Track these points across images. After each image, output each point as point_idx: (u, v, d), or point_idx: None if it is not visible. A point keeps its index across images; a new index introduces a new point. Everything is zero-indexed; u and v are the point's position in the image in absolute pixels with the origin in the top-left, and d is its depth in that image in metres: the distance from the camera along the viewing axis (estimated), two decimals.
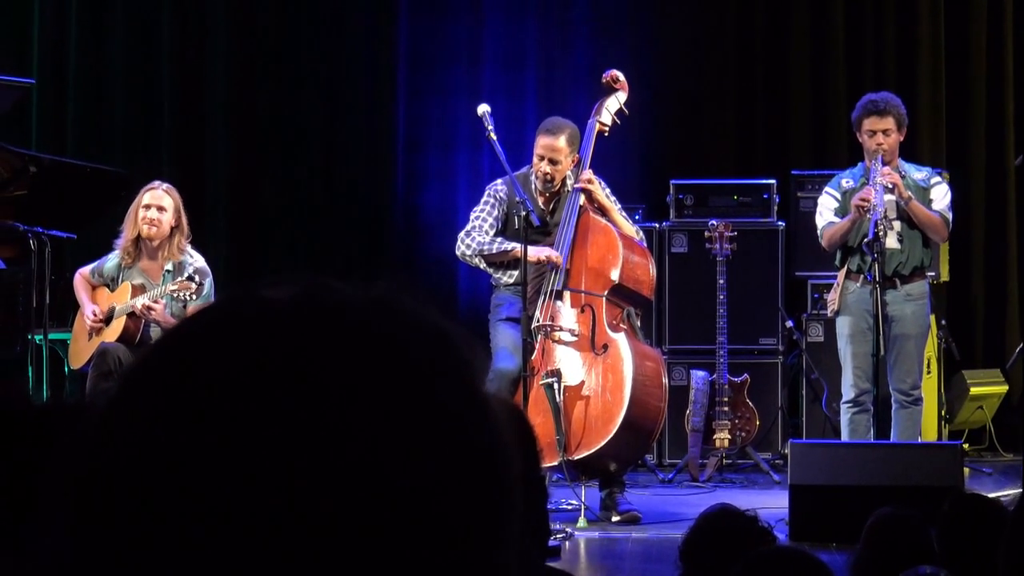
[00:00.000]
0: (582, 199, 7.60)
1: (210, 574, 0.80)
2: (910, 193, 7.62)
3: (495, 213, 7.60)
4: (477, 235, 7.56)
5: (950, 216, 7.80)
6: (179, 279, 7.63)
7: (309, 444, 0.80)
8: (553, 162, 7.48)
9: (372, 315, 0.86)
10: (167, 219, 7.67)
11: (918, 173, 7.85)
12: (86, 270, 7.96)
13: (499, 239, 7.56)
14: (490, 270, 7.66)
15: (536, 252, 7.43)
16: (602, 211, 7.64)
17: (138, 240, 7.72)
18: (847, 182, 7.81)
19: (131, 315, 7.72)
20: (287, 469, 0.80)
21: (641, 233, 7.91)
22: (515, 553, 0.88)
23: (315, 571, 0.80)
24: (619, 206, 7.74)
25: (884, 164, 7.58)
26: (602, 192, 7.62)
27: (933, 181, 7.83)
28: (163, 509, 0.80)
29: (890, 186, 7.53)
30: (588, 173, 7.57)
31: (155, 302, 7.62)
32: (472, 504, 0.84)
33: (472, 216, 7.65)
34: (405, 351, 0.84)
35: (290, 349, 0.83)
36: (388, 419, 0.82)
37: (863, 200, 7.49)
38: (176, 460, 0.81)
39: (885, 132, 7.63)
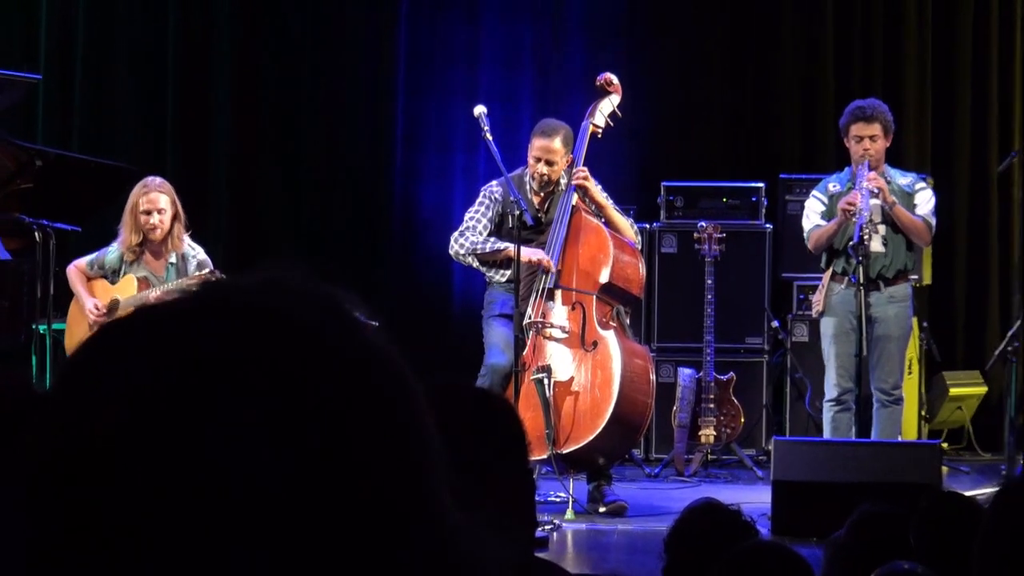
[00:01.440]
0: (575, 199, 7.60)
1: (148, 534, 0.82)
2: (895, 198, 7.63)
3: (489, 214, 7.61)
4: (471, 235, 7.57)
5: (933, 221, 7.81)
6: (203, 272, 7.65)
7: (219, 409, 0.84)
8: (549, 163, 7.49)
9: (259, 293, 0.90)
10: (167, 216, 7.67)
11: (903, 179, 7.86)
12: (82, 263, 7.94)
13: (492, 239, 7.57)
14: (483, 269, 7.67)
15: (528, 254, 7.44)
16: (598, 208, 7.65)
17: (142, 241, 7.71)
18: (834, 186, 7.82)
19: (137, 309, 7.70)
20: (200, 432, 0.83)
21: (636, 227, 7.91)
22: (442, 483, 0.90)
23: (244, 523, 0.83)
24: (611, 203, 7.75)
25: (870, 169, 7.60)
26: (597, 189, 7.63)
27: (918, 187, 7.84)
28: (95, 479, 0.83)
29: (876, 191, 7.54)
30: (583, 169, 7.56)
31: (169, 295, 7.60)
32: (378, 435, 0.87)
33: (466, 217, 7.67)
34: (289, 316, 0.88)
35: (190, 332, 0.87)
36: (280, 372, 0.85)
37: (849, 204, 7.51)
38: (102, 437, 0.84)
39: (872, 138, 7.64)
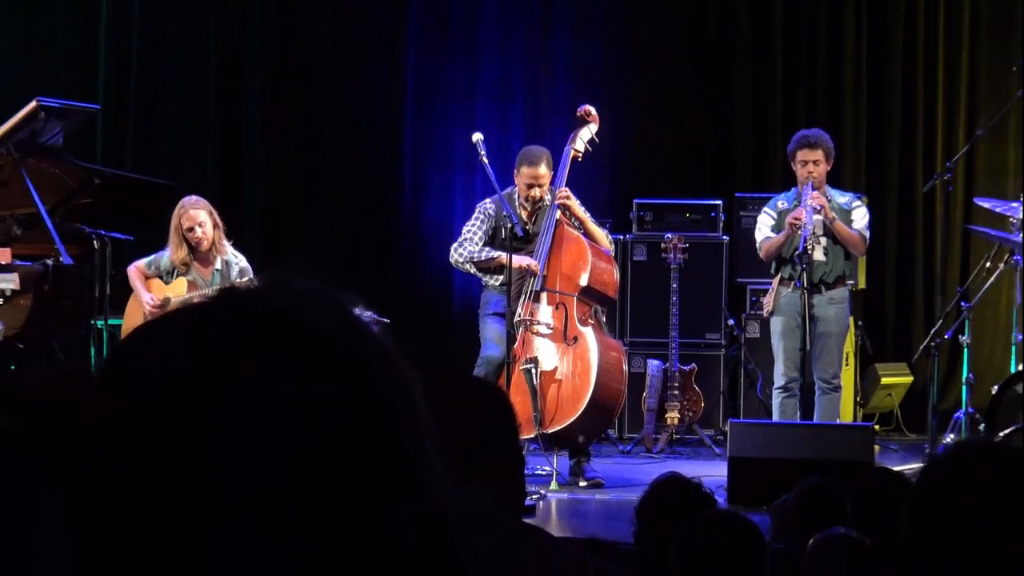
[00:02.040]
0: (558, 214, 7.61)
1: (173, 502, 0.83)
2: (835, 214, 7.64)
3: (484, 227, 7.63)
4: (468, 245, 7.59)
5: (867, 234, 7.82)
6: (244, 279, 7.65)
7: (233, 395, 0.85)
8: (539, 185, 7.51)
9: (268, 295, 0.91)
10: (209, 228, 7.67)
11: (842, 197, 7.87)
12: (141, 263, 7.95)
13: (487, 248, 7.58)
14: (479, 274, 7.68)
15: (518, 260, 7.45)
16: (579, 222, 7.66)
17: (191, 252, 7.71)
18: (782, 203, 7.83)
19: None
20: (215, 416, 0.84)
21: (610, 237, 7.93)
22: (431, 453, 0.90)
23: (260, 489, 0.83)
24: (590, 216, 7.75)
25: (813, 189, 7.61)
26: (577, 205, 7.64)
27: (854, 205, 7.85)
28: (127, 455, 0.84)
29: (818, 208, 7.55)
30: (565, 190, 7.57)
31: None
32: (373, 413, 0.88)
33: (464, 230, 7.68)
34: (295, 314, 0.89)
35: (208, 331, 0.89)
36: (287, 362, 0.87)
37: (795, 219, 7.52)
38: (130, 424, 0.85)
39: (815, 162, 7.65)
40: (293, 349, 0.87)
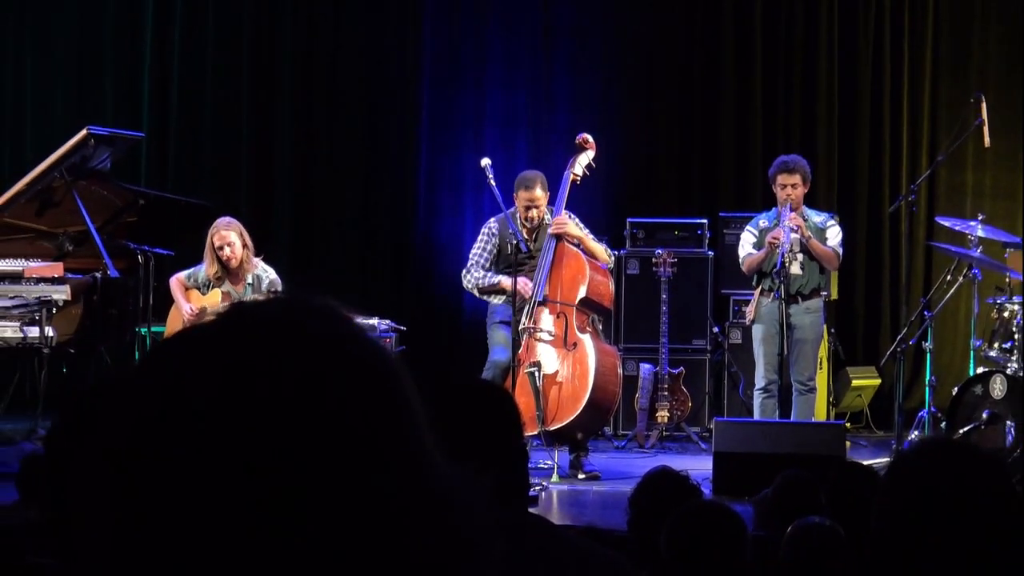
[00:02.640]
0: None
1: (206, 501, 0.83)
2: (810, 233, 7.64)
3: (489, 247, 7.64)
4: (475, 271, 7.61)
5: (840, 251, 7.82)
6: (262, 286, 7.66)
7: (242, 392, 0.86)
8: (535, 206, 7.52)
9: (274, 309, 0.93)
10: (238, 248, 7.67)
11: (817, 217, 7.87)
12: (182, 275, 7.95)
13: (489, 274, 7.59)
14: (484, 297, 7.71)
15: (522, 285, 7.45)
16: (578, 240, 7.65)
17: (223, 268, 7.73)
18: (764, 222, 7.83)
19: None
20: (230, 411, 0.85)
21: (611, 252, 7.91)
22: (423, 437, 0.90)
23: (273, 478, 0.83)
24: (587, 233, 7.74)
25: (792, 211, 7.61)
26: (575, 228, 7.63)
27: (829, 224, 7.86)
28: (159, 458, 0.85)
29: (795, 228, 7.55)
30: (562, 216, 7.57)
31: None
32: (374, 406, 0.88)
33: (472, 254, 7.69)
34: (298, 324, 0.90)
35: (222, 341, 0.91)
36: (291, 367, 0.87)
37: (774, 239, 7.53)
38: (163, 425, 0.85)
39: (793, 186, 7.65)
40: (296, 353, 0.88)
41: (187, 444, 0.84)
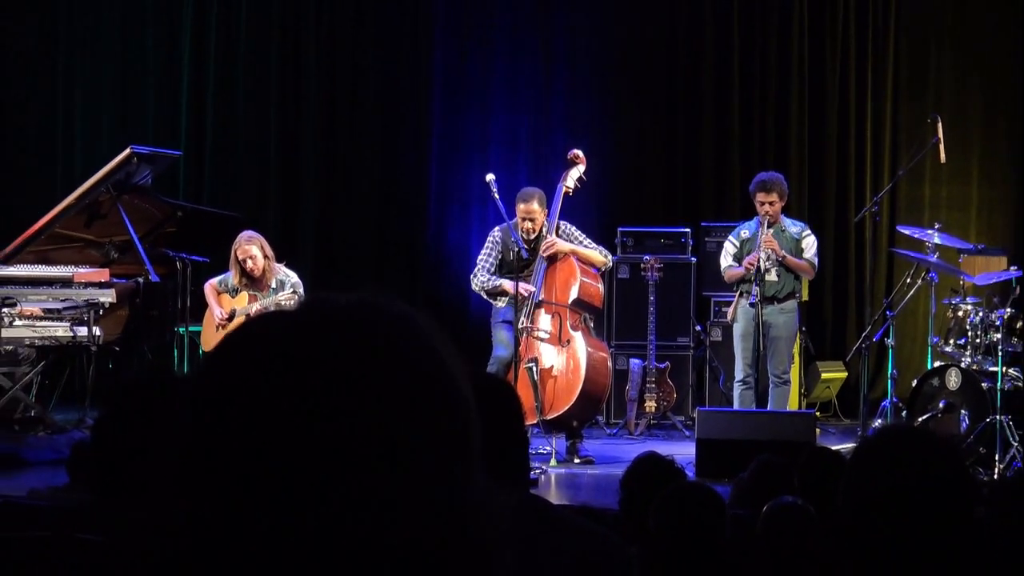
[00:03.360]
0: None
1: (264, 491, 0.80)
2: (784, 253, 7.63)
3: (493, 254, 7.65)
4: (481, 275, 7.62)
5: (816, 261, 7.82)
6: (286, 292, 7.68)
7: (323, 397, 0.81)
8: (532, 220, 7.53)
9: (354, 309, 0.87)
10: (260, 259, 7.69)
11: (794, 227, 7.86)
12: (214, 281, 7.96)
13: (494, 278, 7.59)
14: (489, 299, 7.71)
15: (523, 288, 7.45)
16: (570, 252, 7.64)
17: (247, 276, 7.75)
18: (745, 233, 7.83)
19: (247, 316, 7.74)
20: (305, 411, 0.81)
21: (606, 252, 7.83)
22: (479, 464, 0.87)
23: (341, 478, 0.80)
24: (584, 238, 7.72)
25: (770, 225, 7.61)
26: (564, 245, 7.59)
27: (804, 235, 7.85)
28: (226, 447, 0.81)
29: (770, 252, 7.56)
30: (550, 238, 7.55)
31: (264, 309, 7.64)
32: (435, 428, 0.84)
33: (478, 260, 7.71)
34: (377, 329, 0.86)
35: (301, 339, 0.85)
36: (369, 371, 0.83)
37: (751, 264, 7.55)
38: (230, 417, 0.82)
39: (771, 202, 7.65)
40: (371, 357, 0.84)
41: (255, 429, 0.81)
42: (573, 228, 7.72)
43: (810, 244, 7.79)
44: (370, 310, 0.88)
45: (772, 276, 7.67)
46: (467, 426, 0.87)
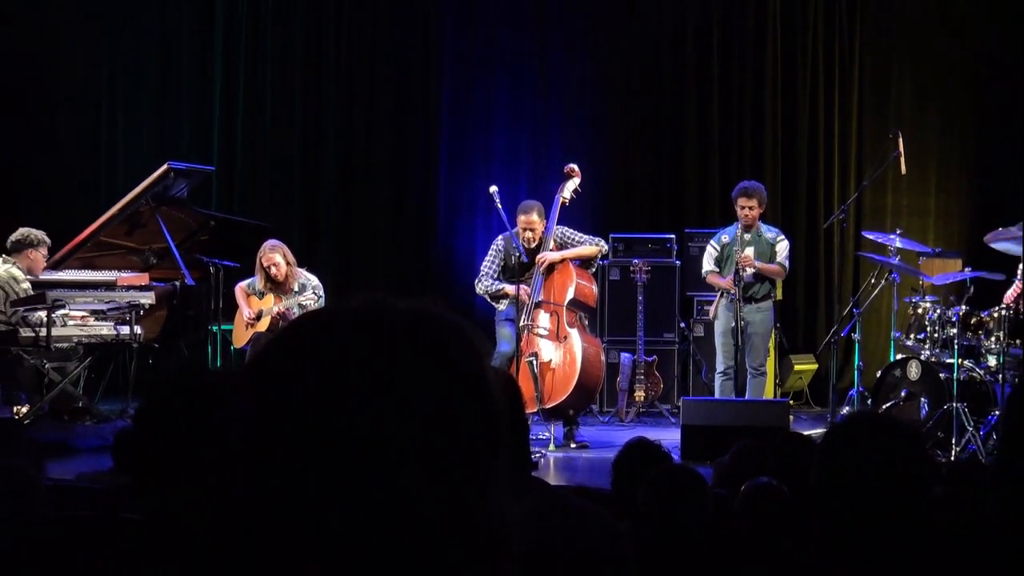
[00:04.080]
0: (551, 245, 7.63)
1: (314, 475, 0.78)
2: (758, 265, 7.63)
3: (496, 260, 7.66)
4: (485, 280, 7.61)
5: (786, 263, 7.82)
6: (307, 294, 7.68)
7: (375, 396, 0.79)
8: (532, 230, 7.53)
9: (411, 315, 0.85)
10: (283, 266, 7.70)
11: (769, 233, 7.86)
12: (243, 284, 7.97)
13: (496, 282, 7.59)
14: (492, 302, 7.71)
15: (522, 291, 7.45)
16: (563, 258, 7.63)
17: (269, 280, 7.77)
18: (725, 238, 7.82)
19: (273, 315, 7.75)
20: (356, 403, 0.79)
21: (599, 241, 7.77)
22: (506, 465, 0.85)
23: (384, 467, 0.78)
24: (579, 236, 7.69)
25: (748, 230, 7.61)
26: (554, 255, 7.57)
27: (778, 239, 7.84)
28: (282, 431, 0.79)
29: (746, 268, 7.56)
30: (542, 255, 7.55)
31: (288, 309, 7.66)
32: (470, 432, 0.82)
33: (482, 266, 7.71)
34: (425, 334, 0.84)
35: (358, 338, 0.82)
36: (417, 373, 0.81)
37: (728, 286, 7.56)
38: (286, 405, 0.80)
39: (751, 208, 7.65)
40: (418, 359, 0.82)
41: (308, 414, 0.78)
42: (567, 230, 7.72)
43: (783, 248, 7.79)
44: (425, 316, 0.85)
45: (749, 279, 7.68)
46: (500, 429, 0.84)
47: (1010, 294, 7.63)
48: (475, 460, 0.81)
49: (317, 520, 0.77)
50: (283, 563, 0.78)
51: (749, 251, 7.63)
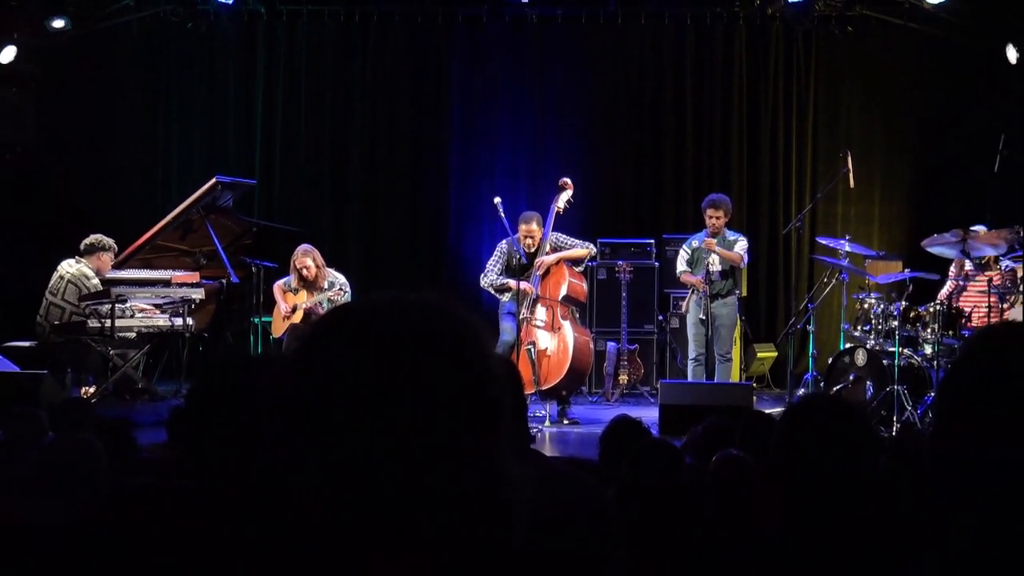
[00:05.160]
0: (547, 248, 7.62)
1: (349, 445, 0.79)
2: (718, 250, 7.63)
3: (500, 260, 7.66)
4: (490, 275, 7.61)
5: (743, 255, 7.76)
6: (335, 289, 7.69)
7: (397, 375, 0.81)
8: (531, 236, 7.53)
9: (427, 306, 0.87)
10: (313, 267, 7.72)
11: (732, 237, 7.87)
12: (280, 282, 7.99)
13: (501, 277, 7.59)
14: (495, 294, 7.70)
15: (524, 285, 7.45)
16: (557, 261, 7.64)
17: (302, 279, 7.77)
18: (695, 243, 7.84)
19: (306, 309, 7.75)
20: (381, 381, 0.81)
21: (589, 245, 7.79)
22: (510, 436, 0.86)
23: (410, 435, 0.80)
24: (571, 241, 7.69)
25: (714, 236, 7.61)
26: (550, 260, 7.57)
27: (739, 240, 7.86)
28: (320, 404, 0.81)
29: (711, 251, 7.56)
30: (539, 260, 7.55)
31: (318, 304, 7.66)
32: (475, 401, 0.84)
33: (487, 264, 7.73)
34: (438, 323, 0.85)
35: (383, 325, 0.84)
36: (430, 355, 0.83)
37: (699, 284, 7.55)
38: (326, 383, 0.81)
39: (718, 217, 7.65)
40: (441, 346, 0.83)
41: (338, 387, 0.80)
42: (561, 235, 7.73)
43: (742, 246, 7.79)
44: (439, 308, 0.87)
45: (717, 277, 7.68)
46: (502, 398, 0.86)
47: (944, 292, 7.63)
48: (482, 422, 0.82)
49: (357, 474, 0.78)
50: (326, 514, 0.78)
51: (714, 255, 7.65)
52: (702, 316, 7.62)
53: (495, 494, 0.82)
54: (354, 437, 0.78)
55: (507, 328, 7.50)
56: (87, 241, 7.71)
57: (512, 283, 7.49)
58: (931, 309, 7.16)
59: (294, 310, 7.82)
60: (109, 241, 7.75)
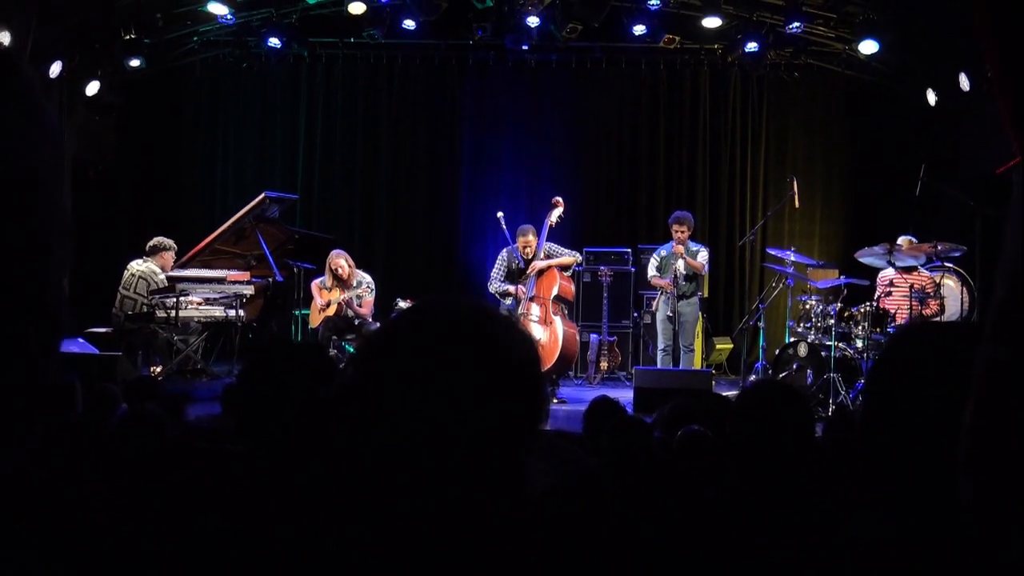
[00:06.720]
0: (541, 255, 7.61)
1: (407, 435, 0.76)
2: (686, 258, 7.61)
3: (502, 267, 7.64)
4: (495, 282, 7.59)
5: (703, 263, 7.73)
6: (363, 287, 7.68)
7: (455, 375, 0.77)
8: (528, 246, 7.51)
9: (470, 310, 0.84)
10: (345, 268, 7.71)
11: (695, 247, 7.85)
12: (317, 281, 7.98)
13: (504, 284, 7.57)
14: (499, 297, 7.68)
15: (519, 290, 7.44)
16: (549, 266, 7.62)
17: (335, 278, 7.76)
18: (663, 252, 7.82)
19: (338, 304, 7.74)
20: (436, 382, 0.77)
21: (576, 254, 7.76)
22: (533, 437, 0.82)
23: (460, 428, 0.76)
24: (561, 250, 7.68)
25: (679, 245, 7.60)
26: (543, 264, 7.55)
27: (700, 250, 7.83)
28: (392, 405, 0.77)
29: (678, 255, 7.53)
30: (534, 264, 7.53)
31: (349, 299, 7.66)
32: (517, 404, 0.80)
33: (492, 272, 7.70)
34: (481, 326, 0.82)
35: (434, 327, 0.81)
36: (478, 358, 0.79)
37: (668, 285, 7.53)
38: (387, 385, 0.78)
39: (682, 231, 7.64)
40: (490, 343, 0.80)
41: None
42: (553, 245, 7.72)
43: (703, 256, 7.78)
44: (481, 310, 0.84)
45: (682, 281, 7.68)
46: (543, 407, 0.83)
47: (876, 294, 7.62)
48: (521, 428, 0.79)
49: (410, 456, 0.75)
50: (392, 487, 0.76)
51: (680, 262, 7.64)
52: (670, 313, 7.62)
53: (516, 496, 0.80)
54: (413, 424, 0.75)
55: None
56: (151, 243, 7.75)
57: (512, 289, 7.50)
58: (862, 310, 7.16)
59: (328, 304, 7.82)
60: (169, 241, 7.79)
